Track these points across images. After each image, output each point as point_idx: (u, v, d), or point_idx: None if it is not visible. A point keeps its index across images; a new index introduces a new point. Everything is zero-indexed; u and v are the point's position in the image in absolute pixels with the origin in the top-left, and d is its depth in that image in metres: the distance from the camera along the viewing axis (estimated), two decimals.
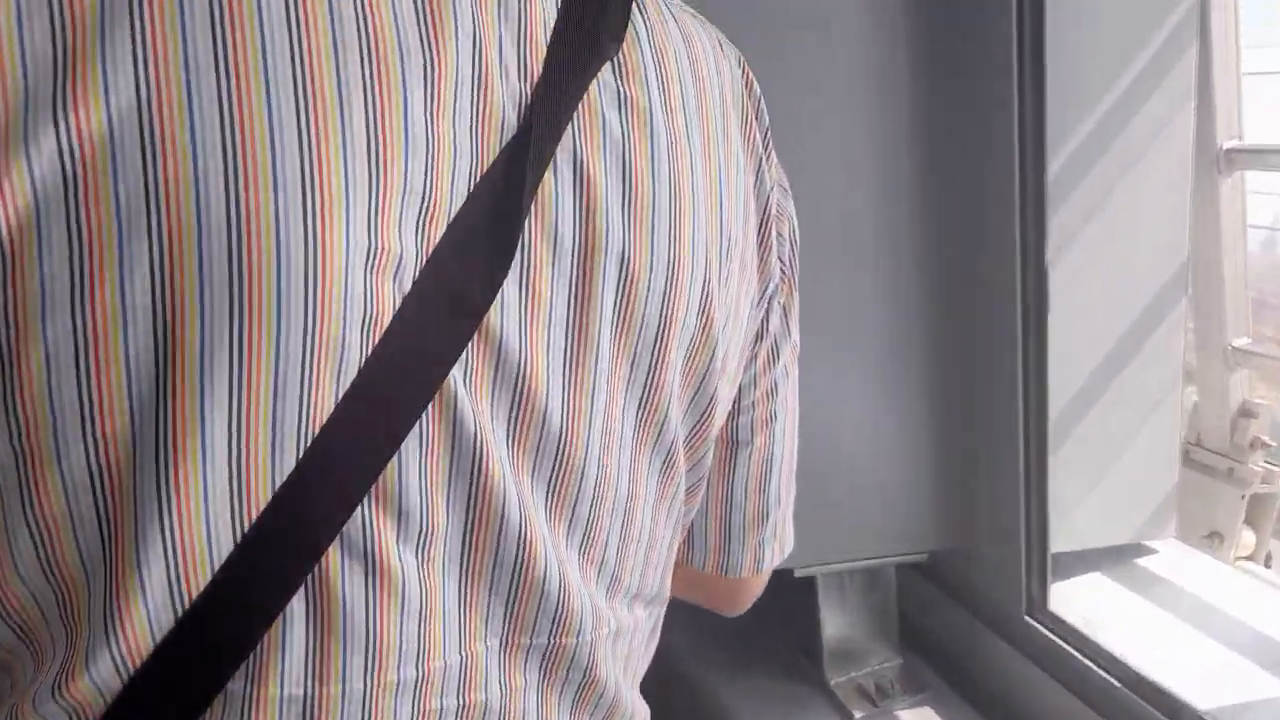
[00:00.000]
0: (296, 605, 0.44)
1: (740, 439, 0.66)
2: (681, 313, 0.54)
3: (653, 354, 0.54)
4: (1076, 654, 1.04)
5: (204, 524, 0.41)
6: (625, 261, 0.51)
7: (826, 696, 1.20)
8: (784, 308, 0.66)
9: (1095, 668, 1.02)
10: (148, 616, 0.42)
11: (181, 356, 0.39)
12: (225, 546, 0.42)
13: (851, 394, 1.12)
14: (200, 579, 0.42)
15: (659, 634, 0.66)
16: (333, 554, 0.44)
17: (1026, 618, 1.12)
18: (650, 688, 0.65)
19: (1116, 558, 1.22)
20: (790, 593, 1.16)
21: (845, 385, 1.11)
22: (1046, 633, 1.09)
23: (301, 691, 0.45)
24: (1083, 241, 1.08)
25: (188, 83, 0.38)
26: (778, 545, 0.71)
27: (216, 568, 0.42)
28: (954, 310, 1.12)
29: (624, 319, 0.52)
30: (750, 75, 0.62)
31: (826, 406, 1.09)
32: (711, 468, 0.65)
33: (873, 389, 1.13)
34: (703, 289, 0.55)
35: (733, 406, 0.64)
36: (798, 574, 1.12)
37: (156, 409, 0.40)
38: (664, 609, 0.65)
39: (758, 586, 0.73)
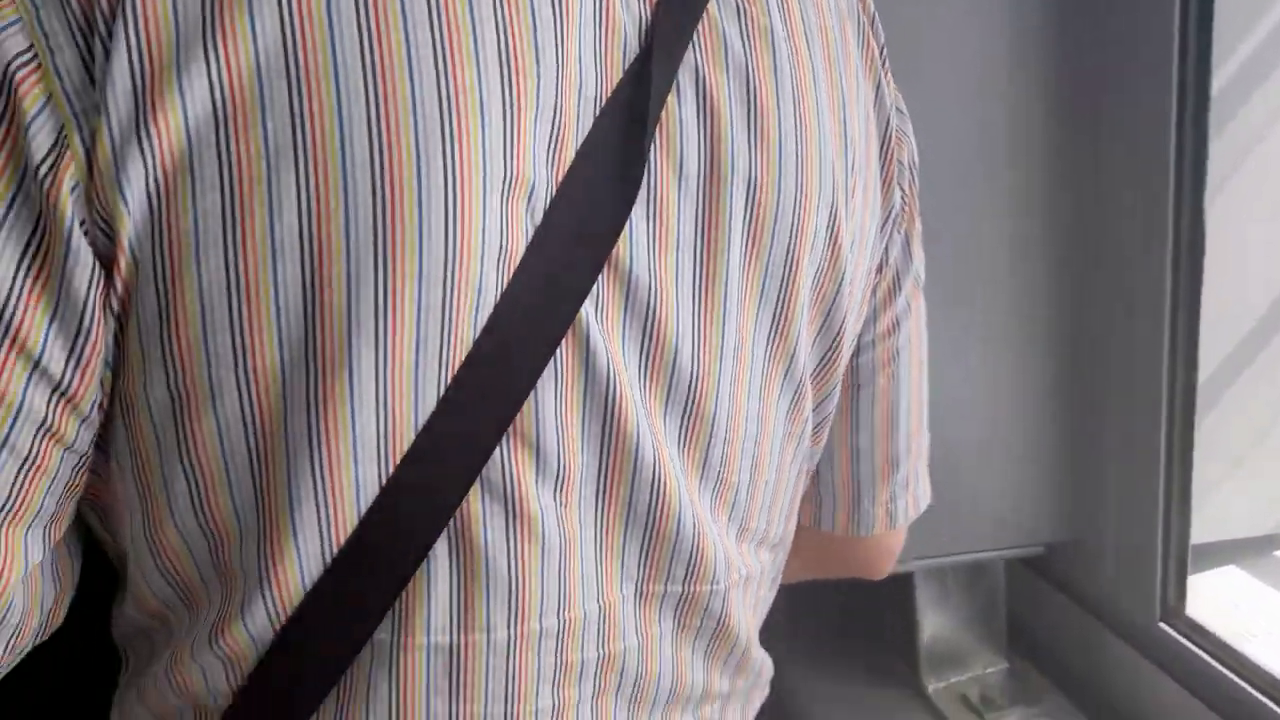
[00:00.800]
0: (440, 552, 0.45)
1: (862, 380, 0.63)
2: (810, 238, 0.53)
3: (782, 282, 0.52)
4: (1220, 667, 0.91)
5: (353, 466, 0.42)
6: (752, 185, 0.50)
7: (923, 704, 1.09)
8: (906, 236, 0.63)
9: (1242, 683, 0.88)
10: (299, 564, 0.43)
11: (330, 292, 0.40)
12: (371, 491, 0.43)
13: (956, 359, 0.99)
14: (348, 525, 0.43)
15: (779, 582, 0.64)
16: (473, 498, 0.45)
17: (1160, 624, 0.97)
18: None
19: (1256, 549, 1.08)
20: (882, 587, 1.04)
21: (949, 346, 0.98)
22: (1184, 641, 0.95)
23: (448, 640, 0.46)
24: (1239, 193, 0.93)
25: (329, 12, 0.39)
26: (911, 498, 0.67)
27: (363, 513, 0.43)
28: (1088, 266, 0.98)
29: (753, 245, 0.51)
30: None
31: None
32: (837, 416, 0.62)
33: (984, 353, 0.99)
34: (830, 213, 0.53)
35: (855, 344, 0.62)
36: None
37: (306, 347, 0.40)
38: (785, 555, 0.63)
39: (894, 545, 0.70)
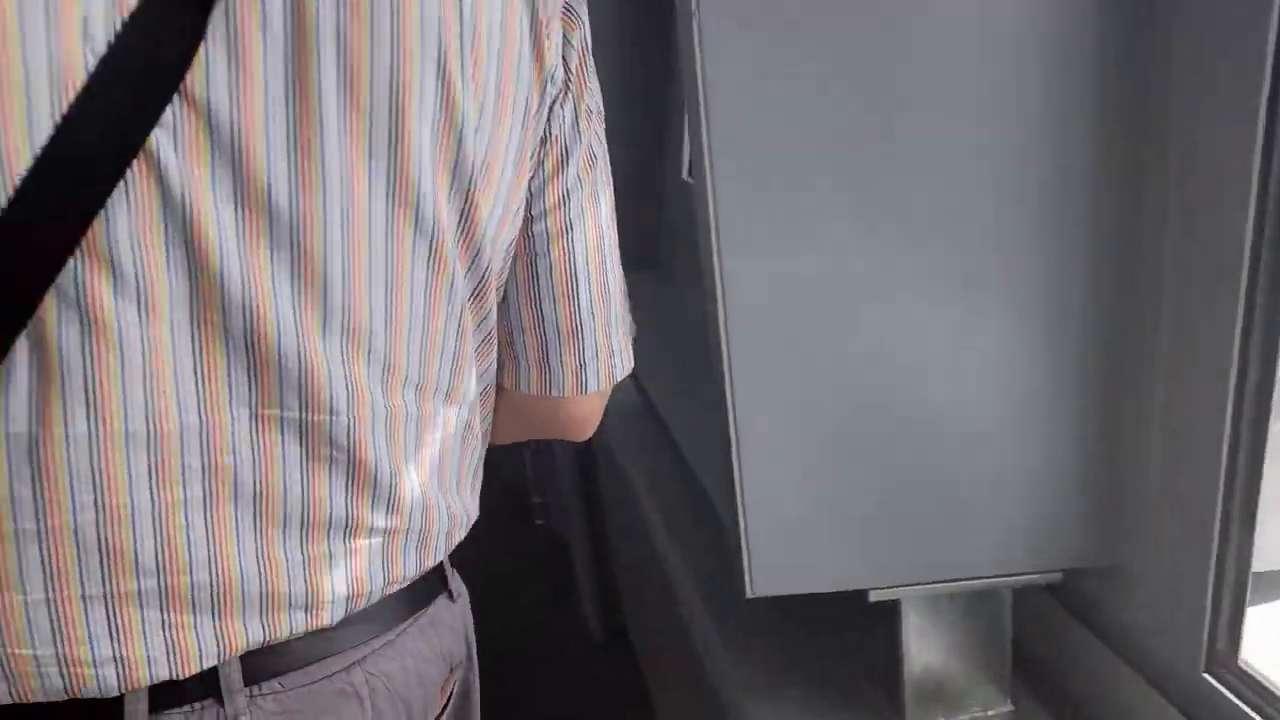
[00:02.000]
0: (20, 349, 0.54)
1: (539, 249, 0.71)
2: (416, 92, 0.59)
3: (390, 133, 0.59)
4: None
5: None
6: (342, 40, 0.57)
7: None
8: (574, 113, 0.69)
9: None
10: None
11: None
12: None
13: (963, 344, 0.81)
14: None
15: (480, 440, 0.76)
16: (50, 305, 0.54)
17: (1206, 674, 0.79)
18: None
19: None
20: (866, 611, 0.86)
21: (948, 326, 0.81)
22: (1233, 698, 0.78)
23: (25, 430, 0.55)
24: None
25: None
26: (605, 368, 0.75)
27: None
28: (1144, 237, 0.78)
29: (351, 95, 0.58)
30: None
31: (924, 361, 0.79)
32: (519, 283, 0.72)
33: (1000, 331, 0.80)
34: (439, 69, 0.60)
35: (527, 214, 0.70)
36: (873, 598, 0.81)
37: None
38: (474, 410, 0.73)
39: (588, 410, 0.78)
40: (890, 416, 0.77)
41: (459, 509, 0.73)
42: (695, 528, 1.36)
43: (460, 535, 0.75)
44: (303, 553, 0.64)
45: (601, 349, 0.74)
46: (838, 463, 0.82)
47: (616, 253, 0.75)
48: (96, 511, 0.57)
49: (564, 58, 0.68)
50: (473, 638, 0.82)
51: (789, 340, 0.81)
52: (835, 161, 0.78)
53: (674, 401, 1.68)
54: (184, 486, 0.59)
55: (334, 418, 0.62)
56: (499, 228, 0.67)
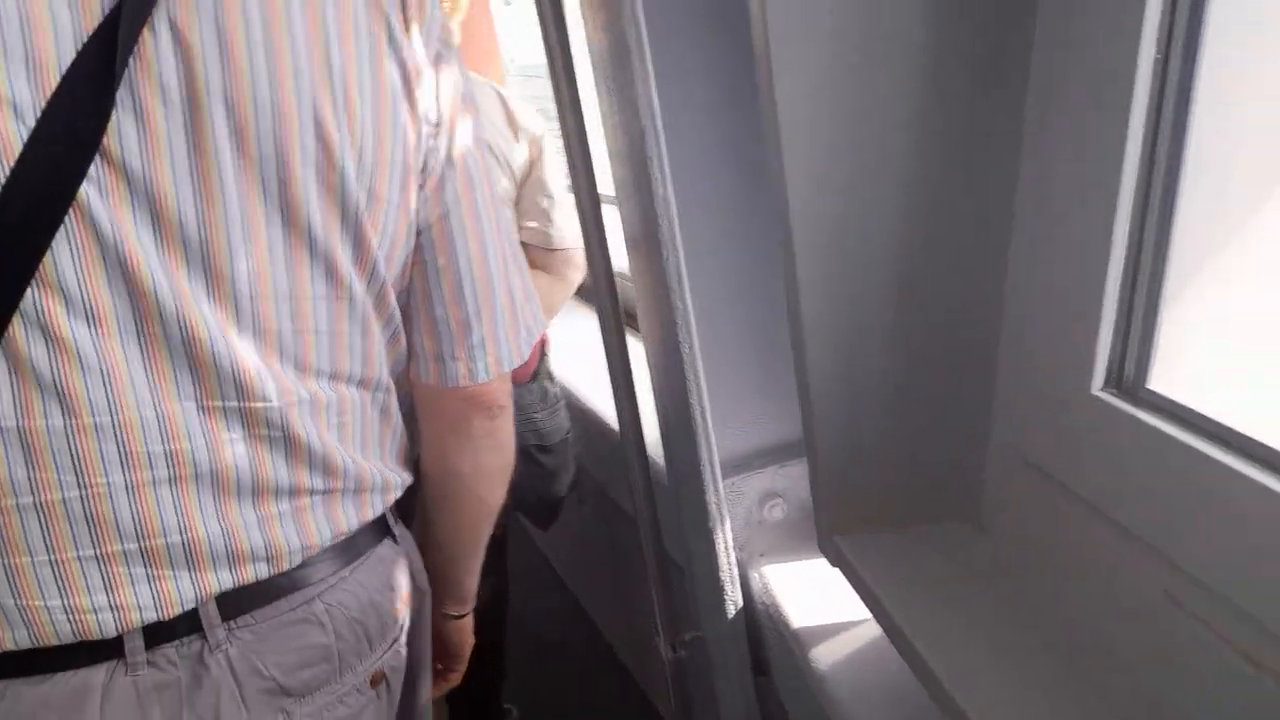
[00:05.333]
0: (0, 361, 0.68)
1: (428, 257, 0.84)
2: (296, 143, 0.72)
3: (278, 178, 0.72)
4: None
5: None
6: (230, 103, 0.70)
7: None
8: (449, 145, 0.82)
9: None
10: None
11: None
12: None
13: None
14: None
15: (401, 419, 0.91)
16: (17, 325, 0.67)
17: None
18: None
19: None
20: None
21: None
22: None
23: (14, 424, 0.68)
24: None
25: None
26: (492, 359, 0.88)
27: None
28: None
29: (243, 149, 0.71)
30: None
31: None
32: (415, 288, 0.85)
33: None
34: (315, 126, 0.73)
35: (417, 230, 0.83)
36: None
37: None
38: (390, 395, 0.88)
39: (482, 396, 0.90)
40: None
41: (390, 474, 0.87)
42: None
43: (395, 495, 0.90)
44: (256, 513, 0.77)
45: (489, 343, 0.87)
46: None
47: (508, 262, 0.87)
48: (80, 489, 0.70)
49: (437, 98, 0.80)
50: (422, 572, 0.96)
51: None
52: None
53: None
54: (151, 468, 0.71)
55: (267, 405, 0.75)
56: (391, 247, 0.80)
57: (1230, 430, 0.67)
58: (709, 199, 1.14)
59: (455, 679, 1.16)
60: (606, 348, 1.23)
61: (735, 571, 1.24)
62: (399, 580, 0.90)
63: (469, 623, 1.11)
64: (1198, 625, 0.70)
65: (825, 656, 1.07)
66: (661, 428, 1.20)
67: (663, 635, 1.38)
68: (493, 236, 0.86)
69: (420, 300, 0.85)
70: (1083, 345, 0.78)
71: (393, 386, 0.88)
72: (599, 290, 1.18)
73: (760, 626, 1.26)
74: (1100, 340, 0.76)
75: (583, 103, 1.08)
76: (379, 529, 0.89)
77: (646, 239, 1.05)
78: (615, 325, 1.21)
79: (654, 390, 1.20)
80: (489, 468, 0.95)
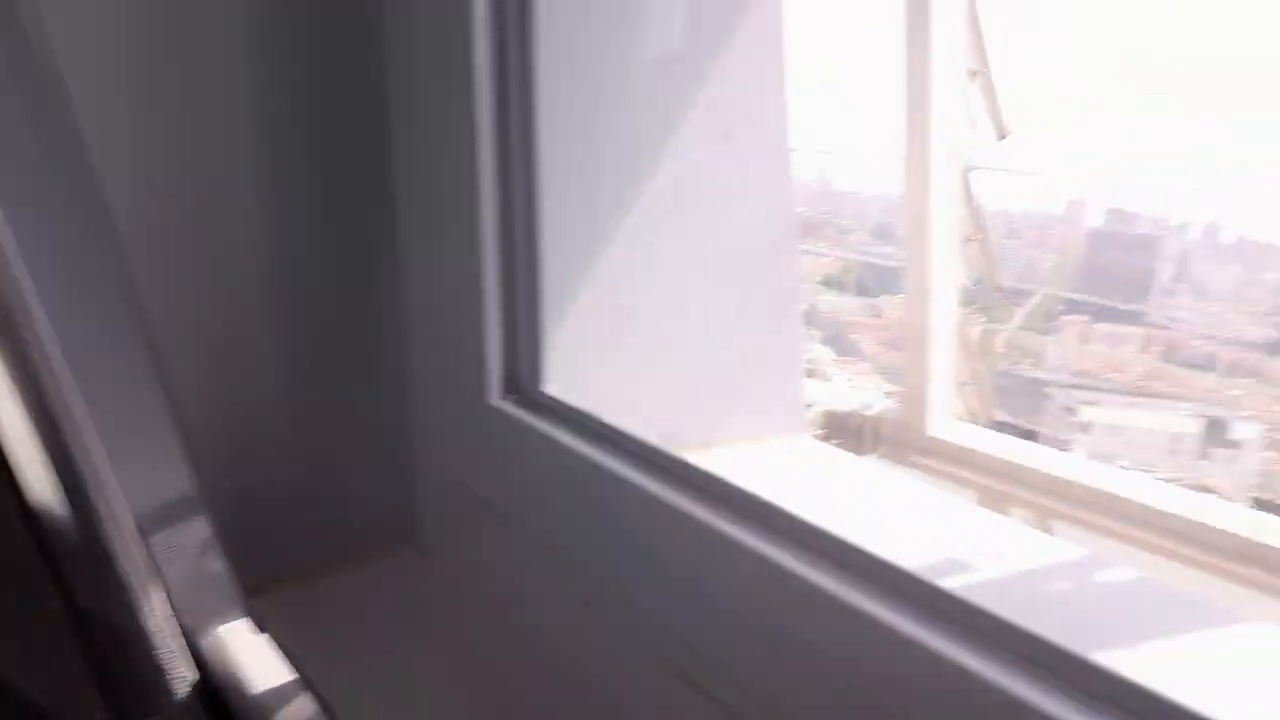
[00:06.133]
0: None
1: None
2: None
3: None
4: None
5: None
6: None
7: None
8: None
9: None
10: None
11: None
12: None
13: None
14: None
15: None
16: None
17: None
18: None
19: None
20: None
21: None
22: None
23: None
24: None
25: None
26: None
27: None
28: None
29: None
30: None
31: None
32: None
33: None
34: None
35: None
36: None
37: None
38: None
39: None
40: None
41: None
42: None
43: None
44: None
45: None
46: None
47: None
48: None
49: None
50: None
51: None
52: None
53: None
54: None
55: None
56: None
57: (617, 430, 0.65)
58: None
59: None
60: None
61: (182, 640, 1.06)
62: None
63: None
64: (613, 633, 0.67)
65: None
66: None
67: None
68: None
69: None
70: (477, 354, 0.72)
71: None
72: None
73: (228, 700, 1.09)
74: (490, 347, 0.71)
75: None
76: None
77: None
78: None
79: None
80: None
